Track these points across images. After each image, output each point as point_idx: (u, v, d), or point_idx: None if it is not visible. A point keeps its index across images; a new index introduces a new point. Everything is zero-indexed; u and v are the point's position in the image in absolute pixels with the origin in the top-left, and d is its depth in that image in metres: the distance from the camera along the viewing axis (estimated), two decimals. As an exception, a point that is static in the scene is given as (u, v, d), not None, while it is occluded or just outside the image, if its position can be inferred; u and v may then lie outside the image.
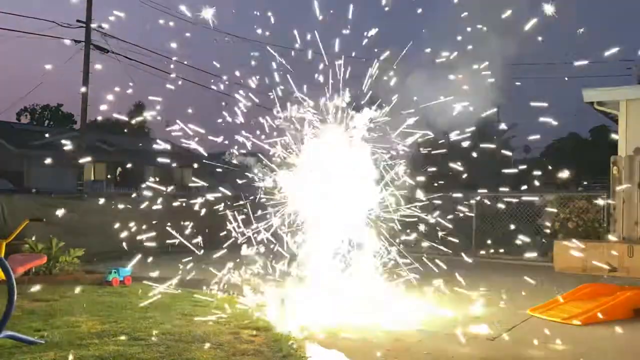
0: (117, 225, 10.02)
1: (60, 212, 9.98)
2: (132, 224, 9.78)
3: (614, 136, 13.11)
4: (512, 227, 12.07)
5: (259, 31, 8.35)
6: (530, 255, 11.55)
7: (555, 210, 12.92)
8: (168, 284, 8.36)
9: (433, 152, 8.42)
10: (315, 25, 7.73)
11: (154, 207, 10.12)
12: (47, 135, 33.24)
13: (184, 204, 10.23)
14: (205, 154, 8.71)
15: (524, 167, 11.40)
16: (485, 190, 13.32)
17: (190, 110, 8.91)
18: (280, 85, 8.03)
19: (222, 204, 8.73)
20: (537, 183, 11.07)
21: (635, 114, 12.53)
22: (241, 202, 8.25)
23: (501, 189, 11.88)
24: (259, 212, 8.25)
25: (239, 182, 8.63)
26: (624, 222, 11.84)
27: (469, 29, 7.94)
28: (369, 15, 8.24)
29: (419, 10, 8.85)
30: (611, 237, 11.65)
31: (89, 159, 23.98)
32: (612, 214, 12.08)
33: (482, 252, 12.93)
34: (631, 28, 78.97)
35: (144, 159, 31.85)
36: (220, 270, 8.83)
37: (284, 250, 8.16)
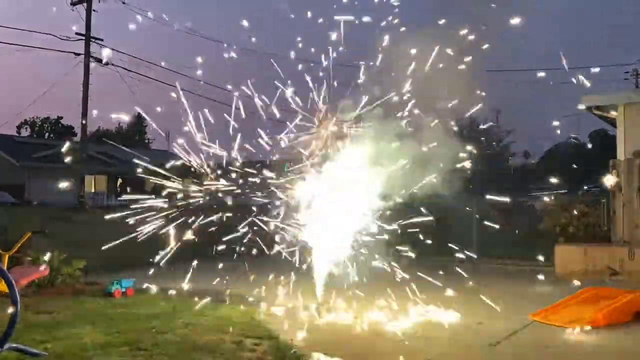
0: (119, 237, 10.00)
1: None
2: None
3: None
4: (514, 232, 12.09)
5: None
6: (531, 260, 11.54)
7: (556, 214, 12.91)
8: (170, 293, 8.39)
9: None
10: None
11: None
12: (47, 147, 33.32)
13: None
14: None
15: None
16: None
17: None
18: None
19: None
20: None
21: (633, 118, 12.57)
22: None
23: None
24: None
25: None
26: (625, 226, 11.83)
27: None
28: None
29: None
30: (612, 241, 11.64)
31: (89, 170, 24.03)
32: (613, 217, 12.08)
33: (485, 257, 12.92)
34: (629, 34, 79.28)
35: (144, 169, 31.76)
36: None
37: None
